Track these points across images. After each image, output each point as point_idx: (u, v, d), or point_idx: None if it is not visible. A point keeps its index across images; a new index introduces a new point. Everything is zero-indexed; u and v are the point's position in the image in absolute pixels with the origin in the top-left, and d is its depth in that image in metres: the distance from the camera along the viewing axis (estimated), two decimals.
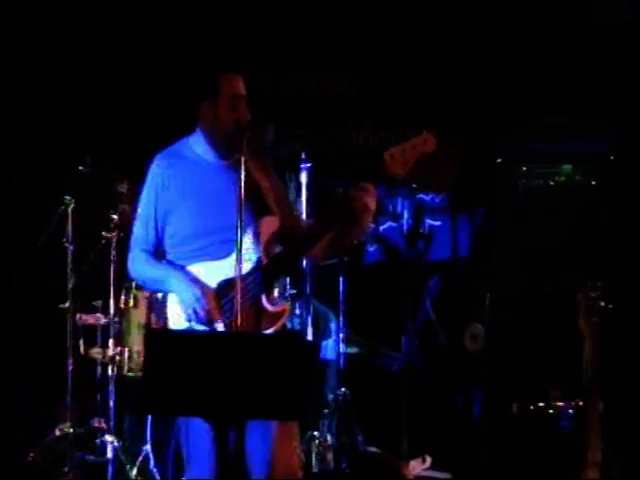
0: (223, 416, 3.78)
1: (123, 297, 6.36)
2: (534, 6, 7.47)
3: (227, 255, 4.45)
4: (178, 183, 4.62)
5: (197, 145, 4.66)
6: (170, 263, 4.61)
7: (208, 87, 4.61)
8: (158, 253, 4.66)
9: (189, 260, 4.56)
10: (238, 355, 3.75)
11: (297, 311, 6.24)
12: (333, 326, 6.51)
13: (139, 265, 4.67)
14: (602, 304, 5.45)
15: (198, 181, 4.61)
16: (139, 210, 4.71)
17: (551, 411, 6.19)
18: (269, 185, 4.62)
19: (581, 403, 5.83)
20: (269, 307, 4.53)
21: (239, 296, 4.32)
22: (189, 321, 4.49)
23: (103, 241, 6.54)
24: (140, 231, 4.68)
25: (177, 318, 4.55)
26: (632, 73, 5.35)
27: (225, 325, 4.47)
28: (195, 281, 4.51)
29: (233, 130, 4.53)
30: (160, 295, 4.69)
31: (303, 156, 6.46)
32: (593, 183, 7.34)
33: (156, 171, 4.66)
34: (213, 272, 4.52)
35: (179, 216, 4.60)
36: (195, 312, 4.47)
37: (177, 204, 4.60)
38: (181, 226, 4.59)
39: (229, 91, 4.57)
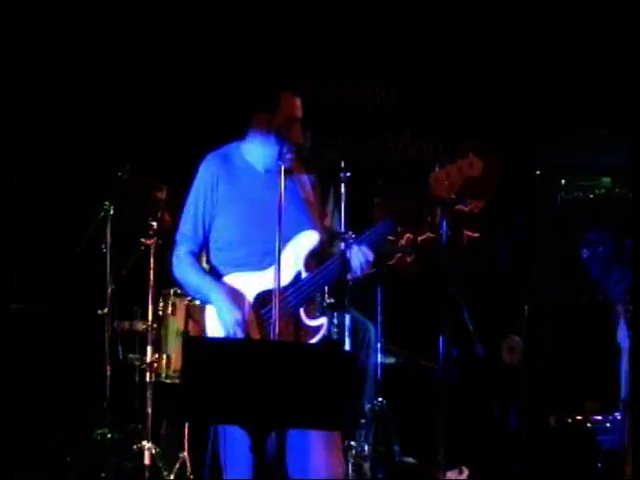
0: (260, 424, 3.76)
1: (161, 304, 6.35)
2: (575, 21, 7.43)
3: (268, 266, 4.43)
4: (226, 187, 4.61)
5: (248, 152, 4.65)
6: (213, 271, 4.59)
7: (267, 100, 4.59)
8: (202, 256, 4.65)
9: (231, 268, 4.55)
10: (276, 363, 3.73)
11: (335, 321, 6.21)
12: (371, 336, 6.47)
13: (184, 268, 4.66)
14: None
15: (246, 188, 4.60)
16: (186, 208, 4.70)
17: (589, 424, 6.15)
18: (314, 200, 4.62)
19: (619, 417, 5.79)
20: (307, 321, 4.51)
21: (277, 309, 4.30)
22: (227, 334, 4.46)
23: (142, 248, 6.54)
24: (187, 228, 4.67)
25: (215, 328, 4.53)
26: None
27: (263, 336, 4.45)
28: (235, 297, 4.48)
29: (288, 146, 4.52)
30: (198, 303, 4.69)
31: (342, 166, 6.43)
32: (631, 195, 7.28)
33: (206, 171, 4.66)
34: (253, 283, 4.51)
35: (225, 221, 4.59)
36: (235, 333, 4.44)
37: (223, 208, 4.59)
38: (226, 231, 4.58)
39: (288, 112, 4.57)
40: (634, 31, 5.46)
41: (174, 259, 4.71)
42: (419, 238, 7.30)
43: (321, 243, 4.56)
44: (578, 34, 7.50)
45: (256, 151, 4.61)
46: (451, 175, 4.41)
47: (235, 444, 4.36)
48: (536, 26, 7.53)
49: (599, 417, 6.13)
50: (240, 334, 4.44)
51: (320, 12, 7.67)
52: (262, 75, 6.60)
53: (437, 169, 4.43)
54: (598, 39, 7.45)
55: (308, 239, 4.55)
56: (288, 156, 4.48)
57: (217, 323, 4.51)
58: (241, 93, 5.10)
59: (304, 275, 4.52)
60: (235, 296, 4.49)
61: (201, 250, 4.66)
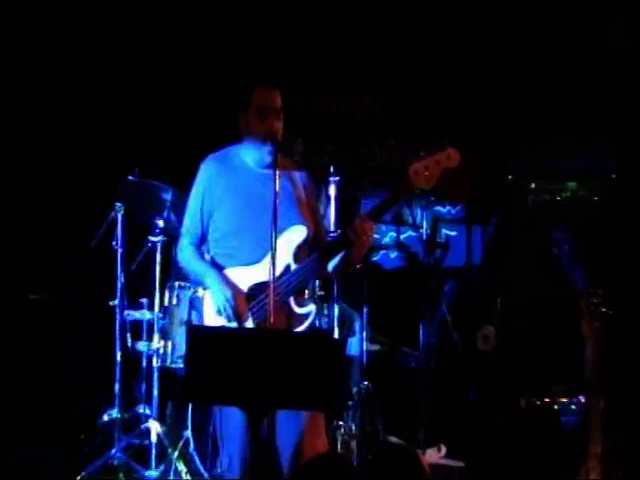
0: (257, 406, 3.78)
1: (167, 295, 6.36)
2: (548, 38, 7.44)
3: (261, 259, 4.46)
4: (223, 183, 4.63)
5: (243, 153, 4.66)
6: (211, 262, 4.63)
7: (242, 99, 4.61)
8: (202, 248, 4.69)
9: (227, 259, 4.57)
10: (271, 350, 3.76)
11: (325, 311, 6.24)
12: (357, 326, 6.49)
13: (186, 256, 4.70)
14: (603, 310, 5.44)
15: (242, 184, 4.62)
16: (189, 204, 4.74)
17: (556, 406, 6.17)
18: (305, 197, 4.63)
19: (583, 399, 5.81)
20: (297, 309, 4.53)
21: (271, 296, 4.32)
22: (219, 314, 4.49)
23: (149, 244, 6.57)
24: (189, 222, 4.71)
25: (211, 314, 4.56)
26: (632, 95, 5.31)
27: (256, 324, 4.47)
28: (228, 283, 4.52)
29: (264, 141, 4.53)
30: (200, 294, 4.71)
31: (332, 170, 6.45)
32: (596, 199, 7.31)
33: (206, 170, 4.69)
34: (247, 276, 4.53)
35: (221, 214, 4.62)
36: (225, 309, 4.48)
37: (221, 202, 4.62)
38: (222, 223, 4.61)
39: (258, 102, 4.57)
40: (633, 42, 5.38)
41: (178, 250, 4.78)
42: (402, 236, 7.33)
43: (309, 238, 4.57)
44: (550, 54, 7.52)
45: (249, 151, 4.63)
46: (429, 167, 4.37)
47: (231, 422, 4.38)
48: (509, 47, 7.55)
49: (565, 400, 6.17)
50: (230, 311, 4.47)
51: (313, 29, 7.67)
52: (239, 81, 6.63)
53: (416, 162, 4.40)
54: (566, 57, 7.47)
55: (297, 234, 4.56)
56: (267, 149, 4.49)
57: (213, 311, 4.53)
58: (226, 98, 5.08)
59: (293, 267, 4.53)
60: (228, 283, 4.52)
61: (202, 242, 4.70)
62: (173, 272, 6.34)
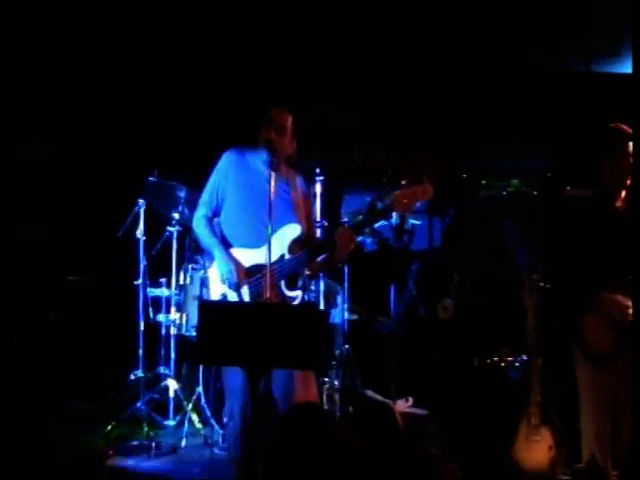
0: (256, 366, 3.79)
1: (182, 276, 6.36)
2: (498, 61, 7.44)
3: (260, 245, 4.46)
4: (239, 173, 4.63)
5: (257, 155, 4.65)
6: (220, 238, 4.62)
7: (263, 116, 4.63)
8: (213, 221, 4.67)
9: (233, 239, 4.57)
10: (268, 320, 3.76)
11: (312, 287, 6.23)
12: (339, 299, 6.48)
13: (200, 227, 4.68)
14: (541, 284, 5.45)
15: (251, 180, 4.61)
16: (208, 182, 4.72)
17: (503, 364, 6.18)
18: (301, 199, 4.63)
19: (525, 358, 5.83)
20: (287, 291, 4.54)
21: (268, 276, 4.32)
22: (222, 282, 4.49)
23: (167, 234, 6.57)
24: (206, 197, 4.70)
25: (217, 290, 4.56)
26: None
27: (252, 298, 4.46)
28: (232, 257, 4.52)
29: (264, 147, 4.54)
30: (209, 275, 4.71)
31: (318, 171, 6.45)
32: (535, 193, 7.32)
33: (227, 158, 4.69)
34: (247, 256, 4.53)
35: (231, 204, 4.61)
36: (227, 278, 4.47)
37: (232, 192, 4.62)
38: (232, 207, 4.61)
39: (269, 115, 4.60)
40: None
41: (194, 219, 4.75)
42: (376, 225, 7.31)
43: (302, 234, 4.58)
44: (501, 75, 7.52)
45: (261, 154, 4.62)
46: (407, 197, 4.40)
47: (234, 380, 4.42)
48: (465, 68, 7.54)
49: (510, 358, 6.18)
50: (232, 280, 4.46)
51: (306, 55, 7.64)
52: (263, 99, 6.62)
53: (399, 190, 4.42)
54: (514, 79, 7.48)
55: (292, 230, 4.56)
56: (272, 160, 4.49)
57: (218, 285, 4.52)
58: (248, 112, 5.07)
59: (287, 257, 4.54)
60: (232, 256, 4.51)
61: (214, 215, 4.67)
62: (187, 256, 6.34)
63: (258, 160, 4.63)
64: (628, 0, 5.01)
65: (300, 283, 4.68)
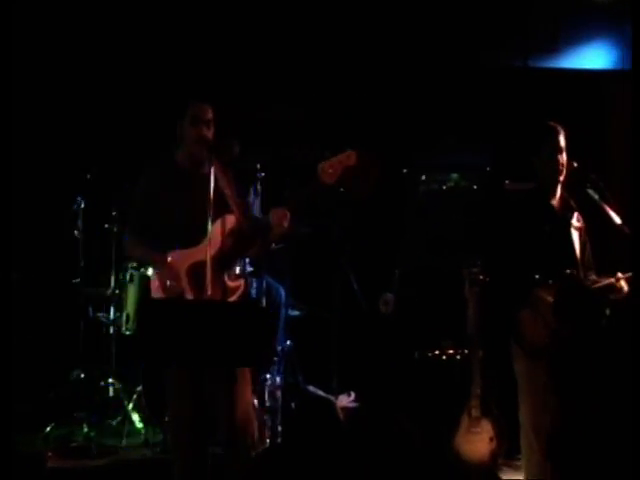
0: (198, 364, 3.78)
1: (122, 274, 6.32)
2: (440, 60, 7.49)
3: (198, 242, 4.44)
4: (163, 184, 4.59)
5: (178, 156, 4.63)
6: (154, 247, 4.57)
7: (179, 111, 4.59)
8: (145, 236, 4.63)
9: (169, 243, 4.52)
10: (210, 318, 3.75)
11: (254, 284, 6.23)
12: (282, 295, 6.48)
13: (131, 243, 4.65)
14: (480, 277, 5.52)
15: (177, 184, 4.58)
16: (133, 200, 4.68)
17: (444, 357, 6.24)
18: (230, 192, 4.61)
19: (466, 351, 5.89)
20: (229, 282, 4.53)
21: (209, 273, 4.30)
22: (165, 290, 4.46)
23: (106, 232, 6.52)
24: (133, 216, 4.65)
25: (157, 289, 4.51)
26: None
27: (195, 295, 4.44)
28: (171, 263, 4.46)
29: (195, 145, 4.52)
30: (148, 273, 4.68)
31: (259, 167, 6.44)
32: (474, 187, 7.40)
33: (148, 173, 4.65)
34: (187, 256, 4.50)
35: (162, 210, 4.57)
36: (170, 286, 4.44)
37: (161, 200, 4.57)
38: (164, 217, 4.56)
39: (192, 113, 4.55)
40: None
41: (125, 239, 4.76)
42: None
43: (238, 225, 4.57)
44: (440, 72, 7.57)
45: (183, 154, 4.60)
46: (333, 165, 4.44)
47: (176, 376, 4.36)
48: (404, 67, 7.58)
49: (451, 351, 6.24)
50: (174, 286, 4.42)
51: (245, 52, 7.61)
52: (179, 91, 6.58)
53: (323, 162, 4.46)
54: (454, 75, 7.53)
55: (228, 221, 4.55)
56: (211, 156, 4.47)
57: (158, 286, 4.49)
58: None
59: (225, 249, 4.52)
60: (171, 261, 4.48)
61: (144, 231, 4.62)
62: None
63: (178, 161, 4.61)
64: None
65: (239, 271, 4.69)
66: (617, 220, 4.74)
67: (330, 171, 4.42)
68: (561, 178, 4.82)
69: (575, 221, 4.89)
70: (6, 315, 4.08)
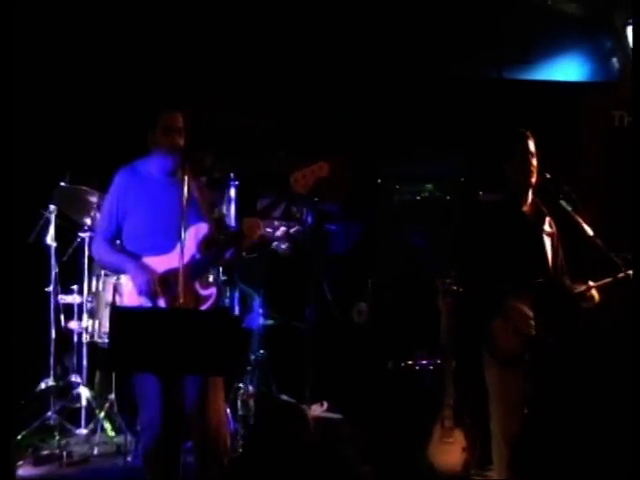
0: (169, 373, 3.76)
1: (94, 282, 6.28)
2: (415, 71, 7.52)
3: (170, 250, 4.43)
4: (134, 192, 4.60)
5: (149, 164, 4.64)
6: (127, 252, 4.57)
7: (152, 120, 4.59)
8: (115, 243, 4.62)
9: (142, 251, 4.53)
10: (181, 326, 3.74)
11: (227, 293, 6.22)
12: (255, 304, 6.47)
13: (101, 250, 4.64)
14: (454, 288, 5.54)
15: (150, 192, 4.59)
16: (103, 208, 4.71)
17: (417, 367, 6.25)
18: (203, 200, 4.61)
19: (439, 361, 5.91)
20: (201, 290, 4.52)
21: (181, 281, 4.30)
22: (140, 294, 4.45)
23: (78, 240, 6.49)
24: (104, 224, 4.66)
25: (131, 296, 4.51)
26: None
27: (167, 303, 4.43)
28: (146, 268, 4.47)
29: (167, 154, 4.52)
30: (121, 280, 4.67)
31: (232, 175, 6.44)
32: (448, 198, 7.43)
33: (118, 182, 4.65)
34: (159, 263, 4.49)
35: (133, 218, 4.57)
36: (144, 291, 4.43)
37: (132, 208, 4.58)
38: (135, 225, 4.57)
39: (163, 123, 4.56)
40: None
41: (93, 247, 4.73)
42: (291, 230, 7.32)
43: (210, 233, 4.57)
44: (410, 83, 7.60)
45: (155, 162, 4.61)
46: (306, 176, 4.46)
47: (147, 384, 4.33)
48: (379, 77, 7.60)
49: (424, 362, 6.25)
50: (149, 292, 4.42)
51: (218, 62, 7.61)
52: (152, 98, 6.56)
53: (296, 172, 4.49)
54: (423, 85, 7.57)
55: (200, 230, 4.55)
56: (184, 164, 4.48)
57: (132, 292, 4.48)
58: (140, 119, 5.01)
59: (197, 257, 4.52)
60: (145, 267, 4.47)
61: (114, 240, 4.63)
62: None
63: (150, 169, 4.61)
64: (537, 10, 5.13)
65: (212, 279, 4.70)
66: (589, 232, 4.78)
67: (303, 181, 4.45)
68: (532, 180, 4.84)
69: (547, 227, 4.91)
70: None
